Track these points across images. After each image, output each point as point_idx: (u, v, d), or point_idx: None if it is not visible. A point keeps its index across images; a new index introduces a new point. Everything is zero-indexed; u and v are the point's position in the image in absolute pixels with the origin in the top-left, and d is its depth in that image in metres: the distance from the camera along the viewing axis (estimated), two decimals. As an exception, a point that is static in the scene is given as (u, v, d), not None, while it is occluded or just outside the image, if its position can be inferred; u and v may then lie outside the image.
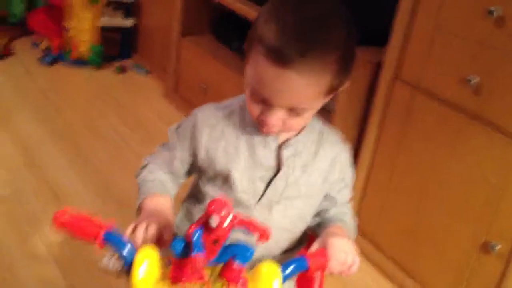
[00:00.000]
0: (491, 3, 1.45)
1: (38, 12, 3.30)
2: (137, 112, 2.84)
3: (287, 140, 0.95)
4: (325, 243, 0.88)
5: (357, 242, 1.91)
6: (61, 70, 3.20)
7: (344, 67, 0.85)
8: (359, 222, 1.93)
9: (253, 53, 0.85)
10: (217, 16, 2.76)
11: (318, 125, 1.00)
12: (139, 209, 0.94)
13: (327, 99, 0.90)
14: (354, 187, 1.90)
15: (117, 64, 3.29)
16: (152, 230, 0.82)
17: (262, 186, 0.95)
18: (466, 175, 1.59)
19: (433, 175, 1.68)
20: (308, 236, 1.05)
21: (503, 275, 1.50)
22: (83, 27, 3.13)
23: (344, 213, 1.02)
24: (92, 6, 3.11)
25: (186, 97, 2.80)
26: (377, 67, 1.81)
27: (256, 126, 0.93)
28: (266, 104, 0.86)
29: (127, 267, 0.79)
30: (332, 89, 0.86)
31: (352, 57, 0.88)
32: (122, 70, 3.26)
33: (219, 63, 2.53)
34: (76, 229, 0.80)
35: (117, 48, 3.42)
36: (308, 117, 0.91)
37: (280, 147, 0.95)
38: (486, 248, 1.54)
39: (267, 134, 0.92)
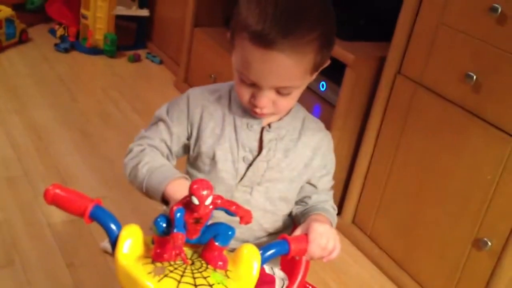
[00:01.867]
0: (494, 0, 1.45)
1: (56, -1, 3.36)
2: (148, 101, 2.88)
3: (270, 124, 0.99)
4: (307, 228, 0.90)
5: (354, 235, 1.95)
6: (76, 57, 3.25)
7: (326, 44, 0.89)
8: (357, 216, 1.97)
9: (238, 40, 0.89)
10: (230, 9, 2.78)
11: (302, 113, 1.03)
12: (164, 197, 0.90)
13: (312, 78, 0.94)
14: (353, 182, 1.94)
15: (130, 53, 3.33)
16: None
17: (244, 166, 0.98)
18: (463, 172, 1.59)
19: (431, 171, 1.69)
20: (293, 223, 1.08)
21: (493, 273, 1.51)
22: (99, 15, 3.19)
23: (325, 200, 1.04)
24: (108, -5, 3.16)
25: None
26: (380, 62, 1.82)
27: (242, 109, 0.97)
28: (256, 87, 0.90)
29: (113, 243, 0.81)
30: (316, 67, 0.91)
31: (333, 33, 0.92)
32: (135, 59, 3.31)
33: (229, 55, 2.55)
34: (65, 203, 0.82)
35: (131, 37, 3.47)
36: (296, 97, 0.95)
37: (262, 130, 0.98)
38: (479, 244, 1.55)
39: (260, 117, 0.96)
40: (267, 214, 1.01)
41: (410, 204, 1.77)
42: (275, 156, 0.98)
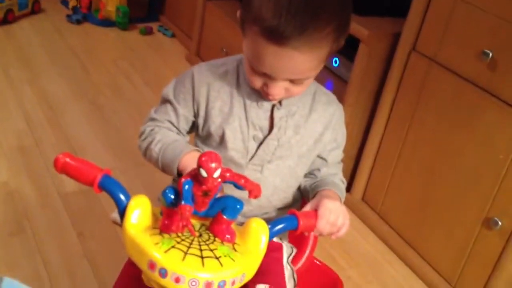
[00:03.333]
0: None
1: (68, -30, 3.34)
2: (159, 74, 2.87)
3: (280, 101, 0.96)
4: (317, 204, 0.89)
5: (363, 212, 1.95)
6: (88, 29, 3.24)
7: (342, 32, 0.86)
8: (367, 193, 1.96)
9: (249, 31, 0.85)
10: (243, -19, 2.75)
11: (313, 86, 1.01)
12: (179, 170, 0.91)
13: (325, 63, 0.91)
14: (364, 159, 1.93)
15: (142, 25, 3.32)
16: None
17: (254, 145, 0.97)
18: (475, 151, 1.58)
19: (443, 150, 1.67)
20: (302, 197, 1.07)
21: (503, 252, 1.51)
22: (112, -14, 3.17)
23: (334, 173, 1.03)
24: (121, -34, 3.13)
25: (207, 60, 2.81)
26: (395, 38, 1.79)
27: (251, 86, 0.94)
28: (268, 76, 0.87)
29: (121, 213, 0.82)
30: (330, 54, 0.88)
31: (348, 20, 0.87)
32: (147, 31, 3.29)
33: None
34: (75, 172, 0.82)
35: (144, 9, 3.45)
36: (309, 83, 0.92)
37: (273, 107, 0.96)
38: (489, 224, 1.54)
39: (272, 100, 0.94)
40: (278, 191, 1.01)
41: (421, 182, 1.76)
42: (285, 134, 0.97)
